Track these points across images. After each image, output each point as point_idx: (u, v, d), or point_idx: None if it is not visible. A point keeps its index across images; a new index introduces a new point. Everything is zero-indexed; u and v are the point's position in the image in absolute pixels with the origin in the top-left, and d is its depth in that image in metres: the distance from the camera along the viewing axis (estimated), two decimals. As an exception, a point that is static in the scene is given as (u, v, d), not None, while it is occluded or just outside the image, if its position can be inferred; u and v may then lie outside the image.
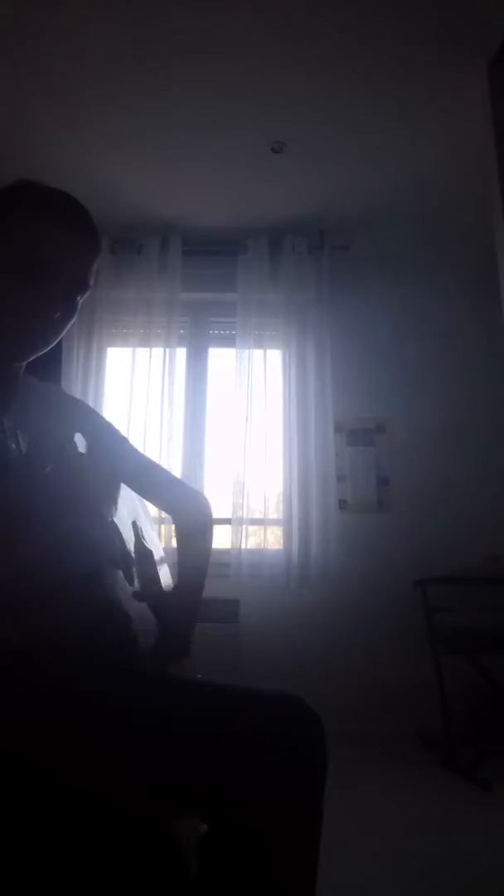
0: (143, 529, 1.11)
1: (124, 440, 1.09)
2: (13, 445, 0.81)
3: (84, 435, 1.02)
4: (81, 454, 0.95)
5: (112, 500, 0.99)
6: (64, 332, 0.89)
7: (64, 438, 0.95)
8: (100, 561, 0.82)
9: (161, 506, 1.16)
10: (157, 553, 1.15)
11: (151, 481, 1.10)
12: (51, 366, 3.15)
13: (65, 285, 0.85)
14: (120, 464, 1.05)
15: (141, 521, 1.13)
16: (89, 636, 0.77)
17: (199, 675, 1.01)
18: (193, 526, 1.09)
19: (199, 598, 0.99)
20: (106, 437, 1.06)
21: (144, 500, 1.16)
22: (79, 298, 0.88)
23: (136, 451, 1.10)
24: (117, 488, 1.03)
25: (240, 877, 0.70)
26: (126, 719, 0.77)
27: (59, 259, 0.83)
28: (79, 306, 0.89)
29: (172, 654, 0.91)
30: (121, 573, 0.90)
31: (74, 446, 0.96)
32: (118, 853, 0.55)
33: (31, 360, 0.91)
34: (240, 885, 0.69)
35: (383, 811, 2.04)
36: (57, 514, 0.78)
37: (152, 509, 1.21)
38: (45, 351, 0.89)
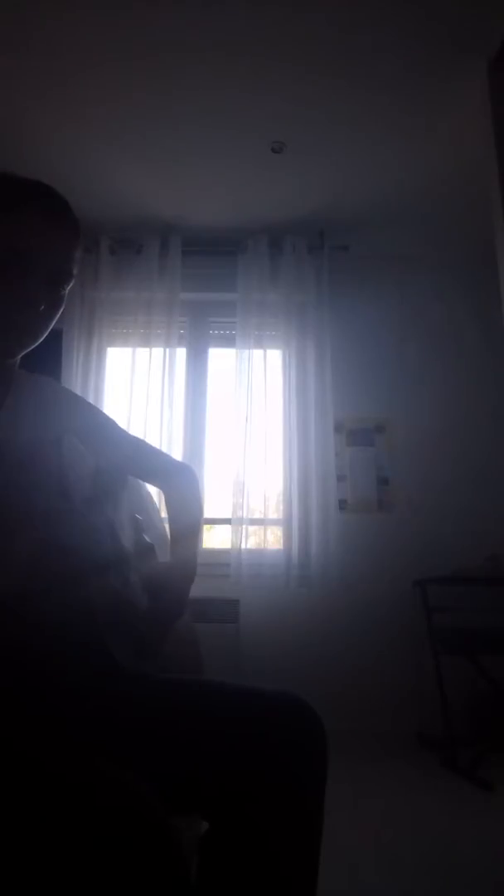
0: (147, 522, 1.10)
1: (115, 427, 1.08)
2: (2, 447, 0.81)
3: (77, 430, 1.01)
4: (74, 453, 0.94)
5: (107, 496, 0.98)
6: (52, 325, 0.88)
7: (56, 437, 0.94)
8: (85, 564, 0.81)
9: (153, 484, 1.17)
10: (164, 544, 1.14)
11: (142, 464, 1.10)
12: (51, 366, 3.15)
13: (46, 276, 0.83)
14: (116, 454, 1.05)
15: (147, 513, 1.12)
16: (68, 639, 0.77)
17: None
18: (182, 498, 1.09)
19: (194, 563, 0.98)
20: (99, 430, 1.05)
21: (151, 489, 1.16)
22: (63, 289, 0.87)
23: (125, 434, 1.10)
24: (115, 483, 1.03)
25: (241, 875, 0.70)
26: (125, 719, 0.77)
27: (38, 250, 0.82)
28: (65, 297, 0.88)
29: (169, 616, 0.89)
30: (112, 575, 0.89)
31: (67, 445, 0.95)
32: (118, 852, 0.55)
33: (22, 355, 0.90)
34: (241, 883, 0.69)
35: (383, 811, 2.04)
36: (44, 518, 0.77)
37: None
38: (35, 344, 0.88)
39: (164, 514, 1.26)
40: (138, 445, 1.11)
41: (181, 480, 1.10)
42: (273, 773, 0.71)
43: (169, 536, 1.04)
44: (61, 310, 0.88)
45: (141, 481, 1.21)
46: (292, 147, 2.78)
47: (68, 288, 0.88)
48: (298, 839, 0.72)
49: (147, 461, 1.10)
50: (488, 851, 1.75)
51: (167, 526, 1.04)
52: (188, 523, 1.05)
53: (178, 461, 1.15)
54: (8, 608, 0.69)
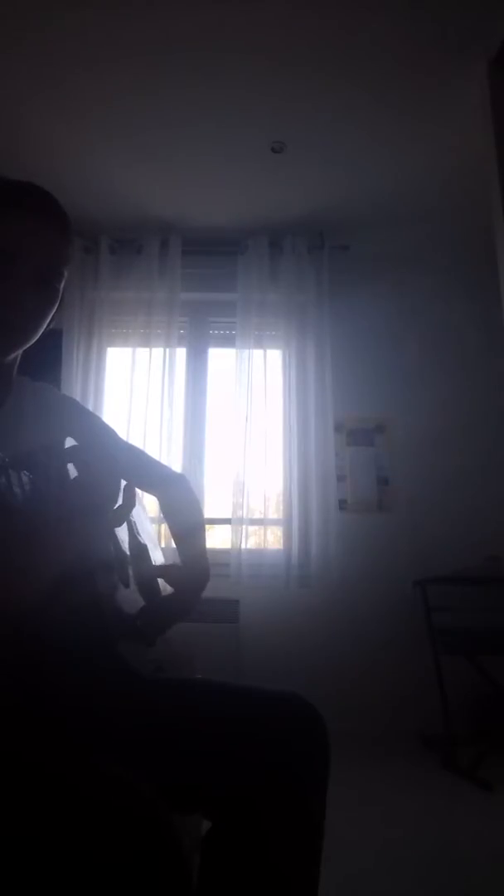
0: (137, 524, 1.11)
1: (114, 435, 1.09)
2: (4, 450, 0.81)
3: (77, 436, 1.02)
4: (73, 458, 0.94)
5: (110, 500, 0.99)
6: (46, 323, 0.87)
7: (58, 441, 0.95)
8: (91, 565, 0.81)
9: (151, 493, 1.18)
10: (154, 546, 1.15)
11: (140, 473, 1.11)
12: (50, 366, 3.15)
13: (32, 274, 0.82)
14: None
15: (138, 515, 1.13)
16: (78, 638, 0.77)
17: (199, 675, 1.01)
18: (181, 506, 1.11)
19: (204, 564, 1.02)
20: (98, 437, 1.06)
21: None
22: (54, 285, 0.86)
23: (124, 444, 1.11)
24: (117, 489, 1.03)
25: (243, 875, 0.70)
26: (127, 719, 0.77)
27: (22, 248, 0.81)
28: (59, 293, 0.87)
29: (174, 615, 0.92)
30: (115, 576, 0.90)
31: (69, 450, 0.95)
32: (119, 852, 0.55)
33: (17, 354, 0.90)
34: (243, 883, 0.69)
35: (383, 811, 2.04)
36: (50, 523, 0.77)
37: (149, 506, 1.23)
38: (29, 342, 0.87)
39: (152, 514, 1.27)
40: (136, 455, 1.12)
41: (178, 489, 1.12)
42: (275, 772, 0.71)
43: (173, 542, 1.05)
44: (55, 306, 0.87)
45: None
46: (292, 147, 2.78)
47: (61, 284, 0.87)
48: (300, 839, 0.72)
49: (144, 471, 1.12)
50: (488, 851, 1.75)
51: (160, 528, 1.05)
52: (191, 525, 1.06)
53: (175, 472, 1.17)
54: (18, 614, 0.69)
